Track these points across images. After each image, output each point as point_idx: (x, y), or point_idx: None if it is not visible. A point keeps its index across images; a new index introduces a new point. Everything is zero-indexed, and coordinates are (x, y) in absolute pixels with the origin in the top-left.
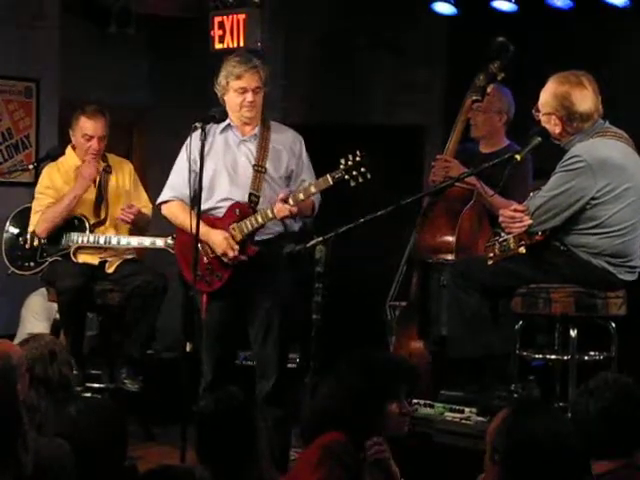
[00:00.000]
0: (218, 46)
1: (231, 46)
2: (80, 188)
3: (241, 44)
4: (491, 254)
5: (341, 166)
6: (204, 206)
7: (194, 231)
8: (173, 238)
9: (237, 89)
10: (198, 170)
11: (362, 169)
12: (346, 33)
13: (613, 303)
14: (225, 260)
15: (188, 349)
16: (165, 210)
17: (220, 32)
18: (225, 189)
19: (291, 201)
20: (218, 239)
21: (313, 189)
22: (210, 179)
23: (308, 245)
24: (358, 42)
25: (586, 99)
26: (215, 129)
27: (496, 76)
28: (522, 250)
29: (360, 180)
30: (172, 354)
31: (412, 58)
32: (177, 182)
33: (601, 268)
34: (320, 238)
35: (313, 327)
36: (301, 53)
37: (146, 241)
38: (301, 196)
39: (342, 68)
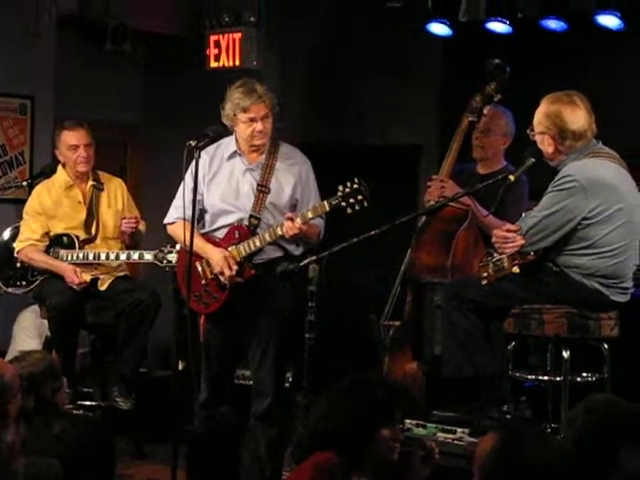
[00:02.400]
0: (214, 65)
1: (227, 65)
2: (60, 270)
3: (237, 63)
4: (485, 274)
5: (339, 193)
6: (206, 229)
7: (195, 249)
8: (161, 251)
9: (245, 120)
10: (202, 192)
11: (359, 197)
12: (341, 52)
13: (606, 324)
14: (222, 280)
15: (181, 367)
16: (170, 231)
17: (216, 51)
18: (228, 215)
19: (299, 220)
20: (217, 256)
21: (310, 214)
22: (215, 205)
23: (301, 264)
24: (353, 62)
25: (578, 118)
26: (222, 154)
27: (493, 97)
28: (516, 269)
29: (357, 208)
30: (164, 372)
31: (407, 78)
32: (181, 203)
33: (594, 289)
34: (313, 257)
35: (306, 346)
36: (296, 73)
37: (134, 255)
38: (299, 220)
39: (337, 87)
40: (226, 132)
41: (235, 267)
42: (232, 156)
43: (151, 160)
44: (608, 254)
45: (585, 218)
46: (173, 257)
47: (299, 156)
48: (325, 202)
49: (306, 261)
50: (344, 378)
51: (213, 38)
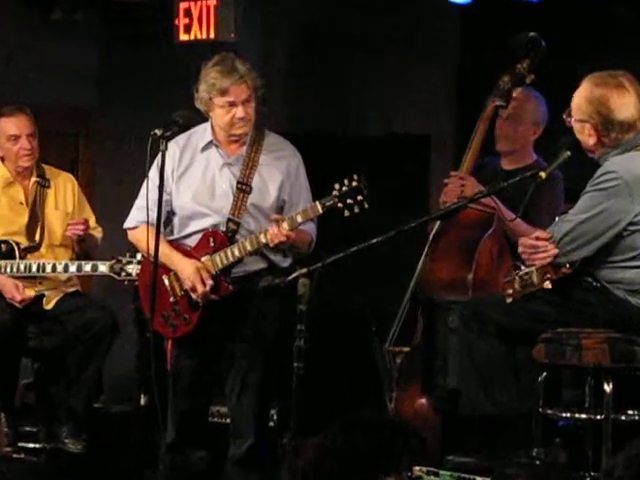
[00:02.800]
0: (184, 37)
1: (199, 37)
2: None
3: (211, 35)
4: (510, 290)
5: (334, 192)
6: (175, 235)
7: (161, 259)
8: (119, 261)
9: (223, 105)
10: (170, 190)
11: (359, 197)
12: (337, 24)
13: None
14: (193, 297)
15: (143, 402)
16: (132, 237)
17: (186, 20)
18: (202, 219)
19: (286, 225)
20: (188, 269)
21: (299, 218)
22: (186, 206)
23: (289, 278)
24: (352, 35)
25: (627, 105)
26: (196, 144)
27: (524, 78)
28: (547, 285)
29: (356, 210)
30: (123, 408)
31: (417, 54)
32: (147, 204)
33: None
34: (304, 270)
35: (294, 377)
36: (283, 48)
37: (86, 266)
38: (286, 225)
39: (331, 67)
40: (199, 119)
41: (209, 282)
42: (207, 147)
43: (108, 152)
44: None
45: (631, 223)
46: (133, 269)
47: (288, 148)
48: (318, 203)
49: (295, 275)
50: (339, 416)
51: (183, 5)
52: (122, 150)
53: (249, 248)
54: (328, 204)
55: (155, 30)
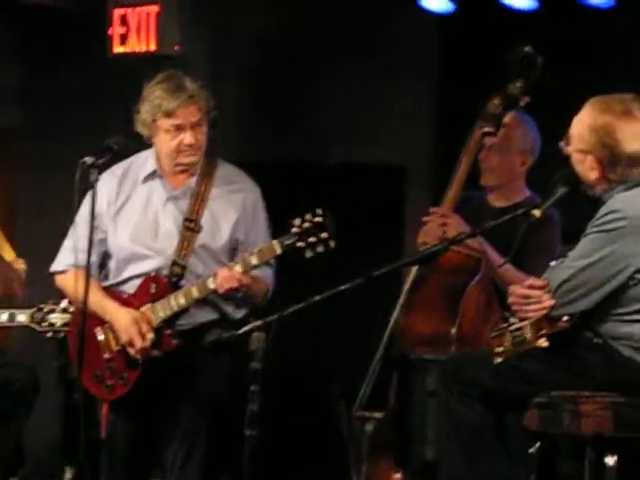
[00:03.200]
0: (118, 49)
1: (137, 50)
2: None
3: (151, 47)
4: (499, 348)
5: (294, 229)
6: (111, 280)
7: (93, 309)
8: (40, 310)
9: (169, 129)
10: (106, 228)
11: (323, 234)
12: (297, 36)
13: None
14: (131, 353)
15: (69, 476)
16: (60, 283)
17: (122, 30)
18: (142, 261)
19: (239, 268)
20: (124, 320)
21: (254, 260)
22: (123, 246)
23: (240, 332)
24: (313, 49)
25: (637, 135)
26: (136, 175)
27: (518, 101)
28: (543, 343)
29: (319, 249)
30: None
31: (389, 71)
32: (77, 244)
33: None
34: (257, 322)
35: (246, 447)
36: (233, 63)
37: (3, 315)
38: (238, 268)
39: (289, 85)
40: (137, 147)
41: (150, 335)
42: (149, 178)
43: (31, 181)
44: None
45: (638, 271)
46: (57, 318)
47: (244, 181)
48: (276, 242)
49: (247, 327)
50: None
51: (118, 12)
52: (47, 178)
53: (196, 295)
54: (287, 243)
55: (86, 42)
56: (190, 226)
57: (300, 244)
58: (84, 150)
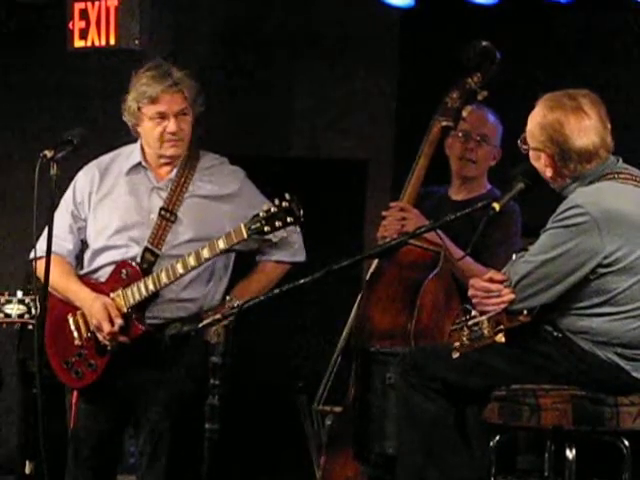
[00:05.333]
0: (78, 44)
1: (97, 44)
2: None
3: (111, 41)
4: (457, 343)
5: (260, 214)
6: (87, 268)
7: (66, 295)
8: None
9: (153, 116)
10: (86, 217)
11: (289, 219)
12: (259, 31)
13: (626, 412)
14: (100, 338)
15: (28, 471)
16: (37, 269)
17: (82, 24)
18: (120, 249)
19: (206, 252)
20: (94, 306)
21: (221, 244)
22: (102, 234)
23: (200, 325)
24: (275, 44)
25: (587, 131)
26: (120, 167)
27: (476, 94)
28: (500, 338)
29: (284, 234)
30: (5, 478)
31: (350, 66)
32: (56, 232)
33: (609, 362)
34: (217, 315)
35: (206, 441)
36: (196, 58)
37: None
38: (206, 253)
39: (253, 79)
40: (97, 139)
41: (119, 321)
42: (134, 170)
43: None
44: (630, 314)
45: (600, 265)
46: (13, 309)
47: (227, 169)
48: (242, 226)
49: (207, 321)
50: None
51: (78, 6)
52: (6, 173)
53: (165, 280)
54: (254, 227)
55: (44, 36)
56: (166, 216)
57: (266, 228)
58: (42, 144)
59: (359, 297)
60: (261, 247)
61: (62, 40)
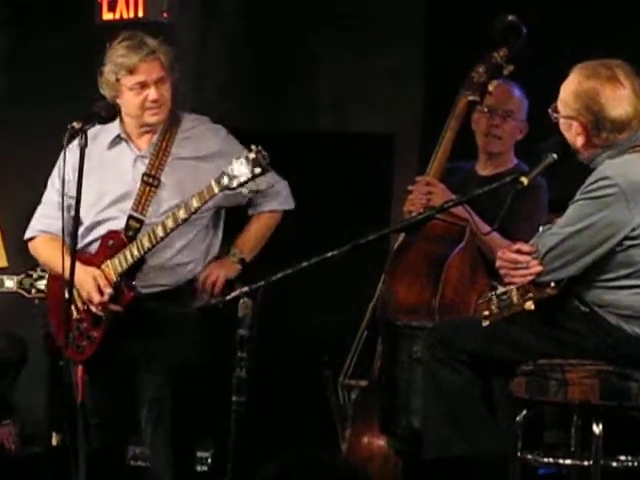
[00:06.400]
0: (107, 16)
1: (125, 17)
2: None
3: (139, 14)
4: (486, 312)
5: (229, 167)
6: (82, 243)
7: (60, 273)
8: (29, 276)
9: (133, 86)
10: (73, 194)
11: (256, 169)
12: (286, 5)
13: None
14: (93, 310)
15: (55, 442)
16: (32, 249)
17: None
18: (112, 222)
19: (182, 213)
20: (82, 278)
21: (195, 202)
22: (91, 209)
23: (228, 298)
24: (300, 17)
25: (621, 100)
26: (101, 140)
27: (502, 68)
28: (530, 306)
29: (254, 188)
30: (33, 449)
31: (375, 40)
32: (47, 211)
33: (636, 337)
34: (245, 288)
35: (233, 414)
36: (222, 31)
37: None
38: (182, 214)
39: (277, 53)
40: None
41: (108, 290)
42: (115, 143)
43: (15, 147)
44: None
45: (627, 237)
46: (45, 285)
47: (208, 130)
48: (212, 182)
49: (235, 294)
50: (282, 459)
51: None
52: (32, 144)
53: (147, 244)
54: (223, 181)
55: (73, 9)
56: (148, 181)
57: (233, 184)
58: (70, 116)
59: (385, 272)
60: (253, 199)
61: (91, 12)
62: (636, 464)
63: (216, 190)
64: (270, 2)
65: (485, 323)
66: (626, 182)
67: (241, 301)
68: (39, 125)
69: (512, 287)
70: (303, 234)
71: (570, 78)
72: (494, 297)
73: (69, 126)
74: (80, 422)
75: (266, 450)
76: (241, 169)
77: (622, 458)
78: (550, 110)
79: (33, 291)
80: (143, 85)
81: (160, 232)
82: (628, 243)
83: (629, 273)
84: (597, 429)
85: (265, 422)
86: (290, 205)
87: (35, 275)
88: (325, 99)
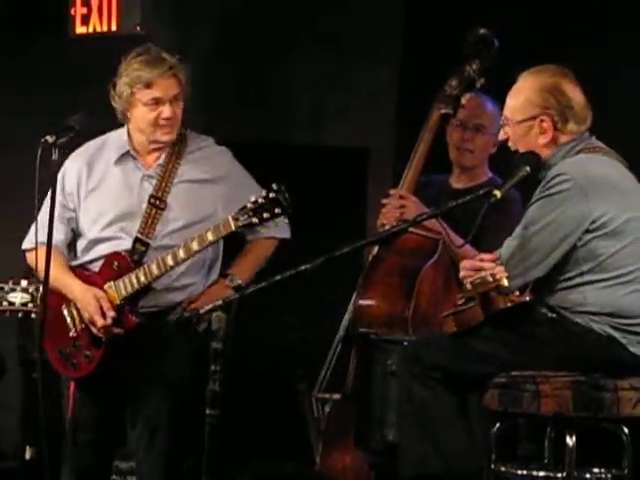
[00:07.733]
0: (80, 30)
1: (99, 30)
2: None
3: (113, 27)
4: (459, 294)
5: (248, 205)
6: (81, 259)
7: (58, 287)
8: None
9: (147, 102)
10: (75, 207)
11: (277, 210)
12: (260, 17)
13: (625, 398)
14: (94, 331)
15: (28, 456)
16: (29, 259)
17: (84, 10)
18: (114, 241)
19: (195, 244)
20: (85, 298)
21: (210, 236)
22: (94, 226)
23: (202, 311)
24: (276, 32)
25: (579, 92)
26: (108, 156)
27: (474, 81)
28: (504, 282)
29: (272, 225)
30: (6, 464)
31: (350, 55)
32: (47, 222)
33: (606, 336)
34: (219, 301)
35: (207, 427)
36: (199, 45)
37: None
38: (195, 245)
39: (253, 67)
40: (95, 124)
41: (111, 313)
42: (122, 160)
43: None
44: (620, 280)
45: (587, 231)
46: (16, 297)
47: (213, 149)
48: (230, 218)
49: (209, 307)
50: (253, 471)
51: None
52: (5, 158)
53: (156, 272)
54: (242, 219)
55: (45, 22)
56: (155, 203)
57: (254, 220)
58: (45, 130)
59: (358, 284)
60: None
61: (64, 26)
62: (609, 476)
63: (233, 228)
64: (246, 16)
65: (460, 301)
66: (582, 177)
67: (214, 314)
68: (16, 138)
69: (484, 273)
70: (277, 247)
71: (527, 81)
72: (467, 284)
73: (42, 140)
74: (69, 437)
75: (240, 463)
76: (261, 208)
77: (595, 470)
78: (500, 134)
79: (4, 303)
80: (158, 101)
81: (170, 262)
82: (589, 236)
83: (592, 267)
84: (570, 441)
85: (239, 435)
86: (287, 234)
87: (6, 288)
88: (300, 113)
